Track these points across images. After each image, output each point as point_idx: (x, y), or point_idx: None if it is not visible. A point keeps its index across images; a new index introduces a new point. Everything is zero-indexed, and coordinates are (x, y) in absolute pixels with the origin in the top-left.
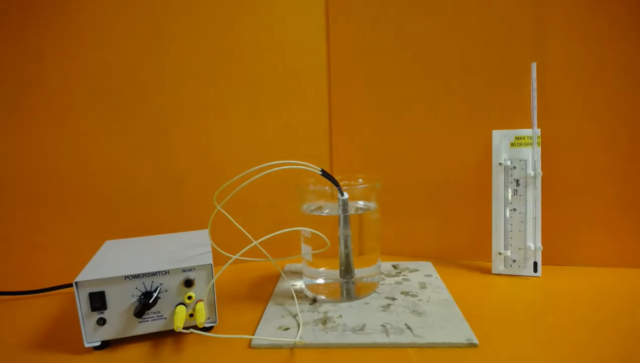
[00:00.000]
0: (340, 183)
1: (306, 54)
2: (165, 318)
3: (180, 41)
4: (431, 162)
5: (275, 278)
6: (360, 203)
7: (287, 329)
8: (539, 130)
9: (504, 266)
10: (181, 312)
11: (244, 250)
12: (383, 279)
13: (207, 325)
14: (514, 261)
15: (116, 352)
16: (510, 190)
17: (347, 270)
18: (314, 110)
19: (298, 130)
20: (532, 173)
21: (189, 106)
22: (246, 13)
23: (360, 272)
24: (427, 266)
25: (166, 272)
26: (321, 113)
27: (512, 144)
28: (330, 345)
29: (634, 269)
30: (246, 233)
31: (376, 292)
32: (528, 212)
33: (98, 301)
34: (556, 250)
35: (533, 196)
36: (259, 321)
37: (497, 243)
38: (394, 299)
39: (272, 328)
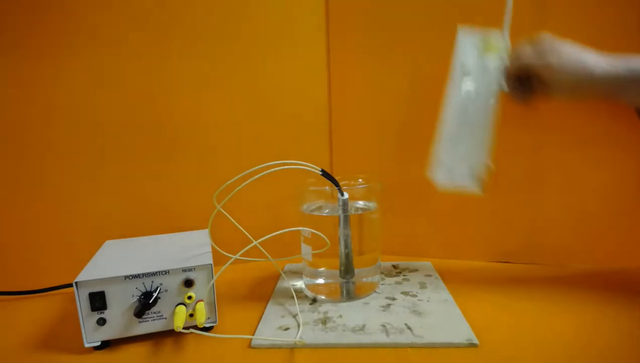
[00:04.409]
0: (340, 183)
1: (306, 53)
2: (165, 318)
3: (180, 41)
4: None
5: (275, 278)
6: (360, 203)
7: (287, 329)
8: (509, 40)
9: (446, 176)
10: (181, 312)
11: (243, 250)
12: (383, 279)
13: (207, 325)
14: (457, 173)
15: (116, 352)
16: (467, 99)
17: (347, 270)
18: (314, 110)
19: (298, 130)
20: (493, 86)
21: (189, 105)
22: (246, 13)
23: (360, 272)
24: (427, 266)
25: (166, 272)
26: (321, 113)
27: (480, 48)
28: (330, 345)
29: (634, 269)
30: (246, 233)
31: (376, 292)
32: (480, 124)
33: (98, 301)
34: (556, 250)
35: (488, 109)
36: (259, 321)
37: (443, 151)
38: (394, 299)
39: (272, 328)
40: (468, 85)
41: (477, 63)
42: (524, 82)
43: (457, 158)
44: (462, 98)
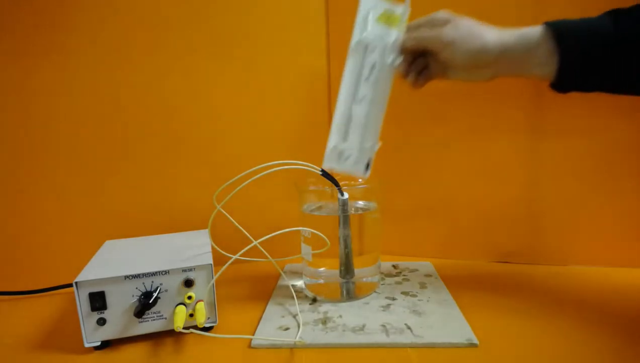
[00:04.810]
0: (340, 183)
1: (306, 53)
2: (165, 318)
3: (181, 40)
4: (431, 162)
5: (275, 278)
6: (360, 203)
7: (287, 329)
8: (409, 9)
9: (337, 161)
10: (181, 312)
11: (244, 250)
12: (383, 279)
13: (207, 325)
14: (348, 157)
15: (116, 352)
16: (364, 75)
17: (347, 270)
18: (314, 110)
19: (298, 130)
20: (390, 60)
21: (190, 106)
22: (245, 14)
23: (360, 272)
24: (427, 266)
25: (166, 272)
26: (321, 113)
27: (379, 19)
28: (330, 345)
29: (634, 269)
30: (246, 233)
31: (376, 292)
32: (373, 102)
33: (98, 301)
34: (555, 250)
35: (382, 86)
36: (259, 321)
37: (336, 134)
38: (394, 299)
39: (272, 328)
40: (364, 58)
41: (376, 35)
42: (420, 60)
43: (347, 139)
44: (358, 71)
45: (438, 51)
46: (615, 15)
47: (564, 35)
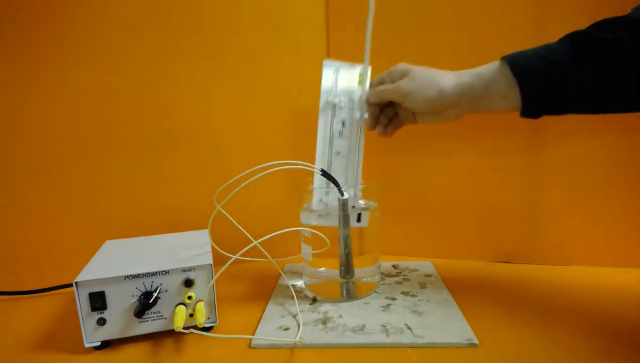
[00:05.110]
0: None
1: (306, 53)
2: (165, 318)
3: (181, 39)
4: (432, 161)
5: (275, 278)
6: (361, 203)
7: (287, 329)
8: (370, 67)
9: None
10: (181, 312)
11: (243, 250)
12: (383, 279)
13: (207, 325)
14: (331, 205)
15: (116, 352)
16: (336, 131)
17: (347, 270)
18: (314, 109)
19: (298, 130)
20: (357, 115)
21: (190, 105)
22: (246, 14)
23: (360, 272)
24: (427, 266)
25: (166, 272)
26: None
27: (345, 82)
28: (330, 345)
29: (634, 269)
30: (246, 233)
31: (376, 292)
32: (349, 155)
33: (98, 301)
34: (555, 250)
35: (355, 139)
36: (259, 321)
37: (319, 189)
38: (394, 299)
39: (272, 328)
40: (334, 115)
41: (341, 95)
42: (389, 109)
43: (329, 192)
44: (330, 129)
45: (400, 101)
46: (571, 37)
47: (521, 66)
